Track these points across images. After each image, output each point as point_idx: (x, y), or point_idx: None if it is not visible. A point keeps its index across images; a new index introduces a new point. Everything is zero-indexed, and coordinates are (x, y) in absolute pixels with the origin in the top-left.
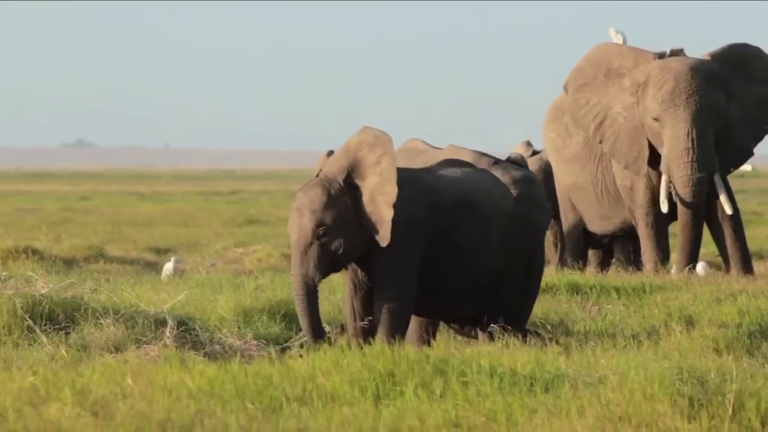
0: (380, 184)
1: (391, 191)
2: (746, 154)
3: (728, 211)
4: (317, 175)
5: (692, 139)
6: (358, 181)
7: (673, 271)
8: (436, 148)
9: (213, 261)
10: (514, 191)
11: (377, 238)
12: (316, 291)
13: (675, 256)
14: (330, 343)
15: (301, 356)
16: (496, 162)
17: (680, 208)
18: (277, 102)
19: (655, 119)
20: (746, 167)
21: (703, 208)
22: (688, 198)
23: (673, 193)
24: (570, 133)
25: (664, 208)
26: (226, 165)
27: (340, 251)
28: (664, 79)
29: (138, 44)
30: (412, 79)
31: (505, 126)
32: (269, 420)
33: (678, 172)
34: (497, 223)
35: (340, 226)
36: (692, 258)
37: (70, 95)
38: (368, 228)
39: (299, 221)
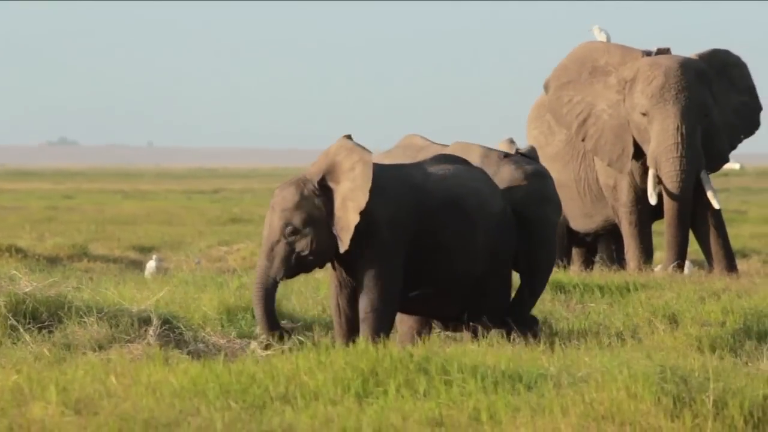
0: (352, 189)
1: (362, 198)
2: (723, 160)
3: (716, 206)
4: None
5: (681, 134)
6: (332, 185)
7: (657, 269)
8: (439, 144)
9: (198, 259)
10: (524, 185)
11: (339, 243)
12: (276, 286)
13: (661, 254)
14: (282, 338)
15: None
16: (506, 156)
17: (667, 204)
18: (261, 100)
19: (643, 114)
20: (734, 165)
21: (690, 203)
22: (675, 192)
23: (661, 187)
24: (553, 131)
25: (653, 200)
26: (210, 163)
27: (306, 251)
28: (653, 74)
29: (121, 42)
30: (395, 78)
31: (488, 124)
32: (253, 418)
33: (666, 167)
34: (485, 223)
35: (309, 227)
36: (680, 254)
37: (53, 93)
38: (335, 232)
39: (270, 218)
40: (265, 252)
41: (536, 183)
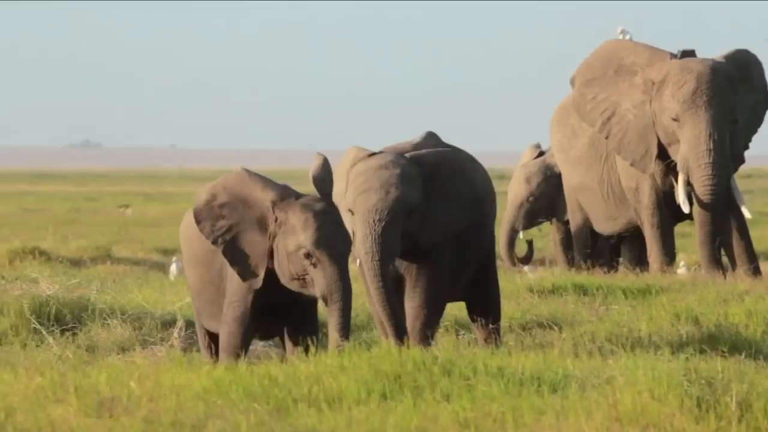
0: None
1: None
2: (741, 160)
3: (747, 215)
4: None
5: (714, 141)
6: None
7: (680, 270)
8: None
9: None
10: None
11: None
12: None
13: (683, 256)
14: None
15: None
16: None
17: (697, 211)
18: (284, 101)
19: (674, 119)
20: None
21: (722, 207)
22: (708, 198)
23: (692, 193)
24: (576, 134)
25: (686, 208)
26: (232, 165)
27: None
28: (684, 79)
29: (144, 44)
30: (431, 77)
31: (514, 127)
32: (277, 420)
33: (698, 173)
34: None
35: None
36: (713, 254)
37: (76, 95)
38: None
39: None
40: None
41: None
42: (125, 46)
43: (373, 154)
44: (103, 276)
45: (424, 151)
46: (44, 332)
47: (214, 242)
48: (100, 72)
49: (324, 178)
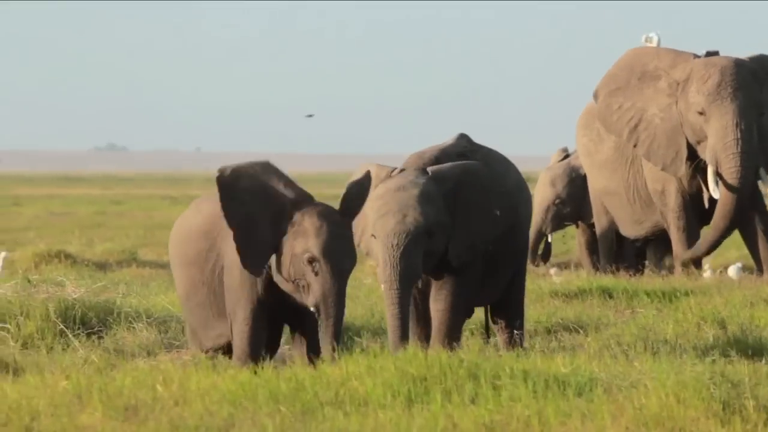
0: None
1: None
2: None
3: None
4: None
5: (740, 130)
6: None
7: (705, 274)
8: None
9: None
10: None
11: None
12: None
13: (706, 259)
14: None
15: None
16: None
17: (723, 198)
18: (310, 104)
19: (700, 113)
20: None
21: (745, 199)
22: (735, 187)
23: (719, 183)
24: (602, 138)
25: (716, 194)
26: None
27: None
28: (708, 73)
29: (169, 48)
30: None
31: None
32: (304, 423)
33: (727, 163)
34: None
35: None
36: (714, 247)
37: (102, 99)
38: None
39: None
40: None
41: None
42: (151, 50)
43: (394, 171)
44: (129, 279)
45: (448, 165)
46: (70, 335)
47: (230, 222)
48: (126, 75)
49: (358, 196)
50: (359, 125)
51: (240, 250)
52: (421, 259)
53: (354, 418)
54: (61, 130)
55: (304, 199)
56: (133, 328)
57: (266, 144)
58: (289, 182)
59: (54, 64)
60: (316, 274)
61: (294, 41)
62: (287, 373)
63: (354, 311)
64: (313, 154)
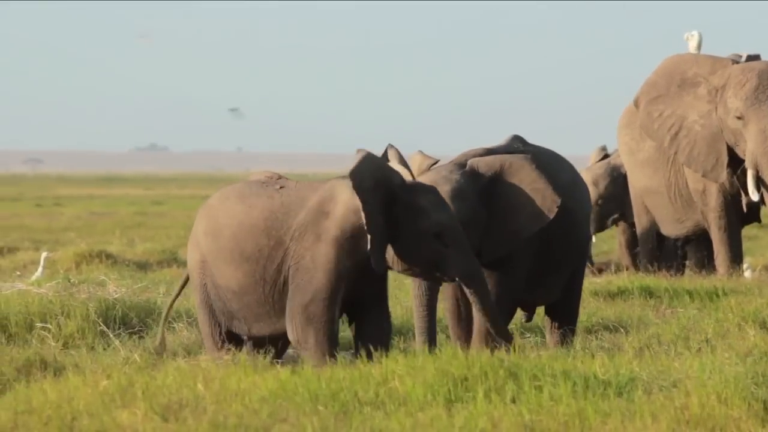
0: None
1: None
2: None
3: None
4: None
5: None
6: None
7: (746, 274)
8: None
9: None
10: None
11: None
12: None
13: (748, 258)
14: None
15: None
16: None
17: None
18: (353, 105)
19: (738, 117)
20: None
21: None
22: None
23: (759, 188)
24: (643, 137)
25: (755, 197)
26: (299, 169)
27: None
28: (746, 77)
29: (210, 48)
30: (507, 83)
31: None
32: (343, 424)
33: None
34: None
35: None
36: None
37: (143, 99)
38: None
39: None
40: None
41: None
42: (192, 50)
43: (435, 163)
44: (170, 279)
45: (488, 158)
46: (111, 335)
47: (366, 215)
48: (167, 75)
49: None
50: (405, 127)
51: (371, 240)
52: None
53: (394, 418)
54: (102, 131)
55: (404, 179)
56: (174, 327)
57: (307, 144)
58: (390, 166)
59: (96, 65)
60: (447, 246)
61: (336, 42)
62: (327, 372)
63: (394, 311)
64: (349, 155)
